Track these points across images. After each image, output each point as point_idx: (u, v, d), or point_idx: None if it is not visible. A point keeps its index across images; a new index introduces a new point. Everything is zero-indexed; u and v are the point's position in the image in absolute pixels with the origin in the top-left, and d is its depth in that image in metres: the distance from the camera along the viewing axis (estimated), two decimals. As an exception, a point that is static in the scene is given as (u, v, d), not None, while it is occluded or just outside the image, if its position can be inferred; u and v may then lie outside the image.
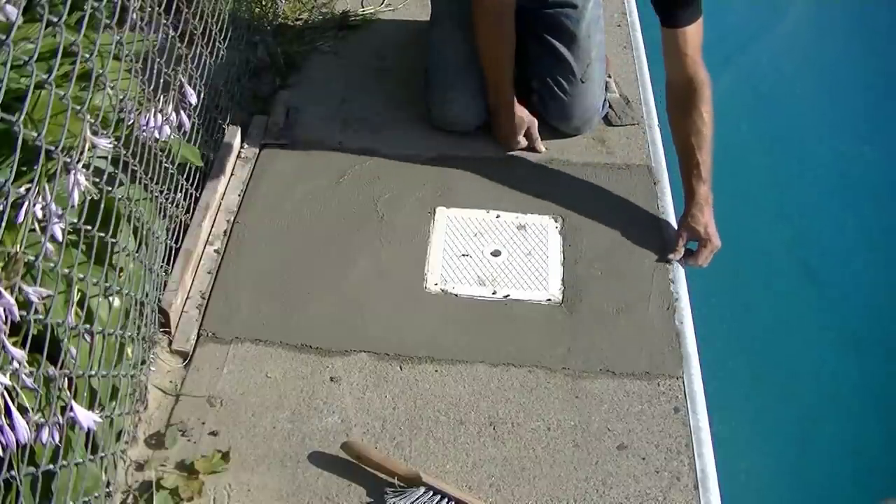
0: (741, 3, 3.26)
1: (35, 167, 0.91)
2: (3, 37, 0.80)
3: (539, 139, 1.91)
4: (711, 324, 1.80)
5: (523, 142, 1.90)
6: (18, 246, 0.92)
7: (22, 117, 0.83)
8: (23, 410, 0.92)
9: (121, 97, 1.17)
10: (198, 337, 1.55)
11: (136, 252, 1.29)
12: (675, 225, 1.76)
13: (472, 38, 1.86)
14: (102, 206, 1.11)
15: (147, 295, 1.38)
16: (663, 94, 1.92)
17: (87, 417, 1.01)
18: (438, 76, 1.93)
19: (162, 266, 1.51)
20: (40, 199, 0.94)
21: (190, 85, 1.38)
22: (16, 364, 0.89)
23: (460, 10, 1.87)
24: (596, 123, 1.96)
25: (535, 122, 1.90)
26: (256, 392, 1.46)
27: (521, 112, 1.89)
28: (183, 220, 1.63)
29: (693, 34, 1.67)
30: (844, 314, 2.26)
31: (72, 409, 1.00)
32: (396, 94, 2.06)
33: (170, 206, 1.52)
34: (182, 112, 1.34)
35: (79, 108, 0.99)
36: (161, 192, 1.44)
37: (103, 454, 1.19)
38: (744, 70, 3.01)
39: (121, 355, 1.23)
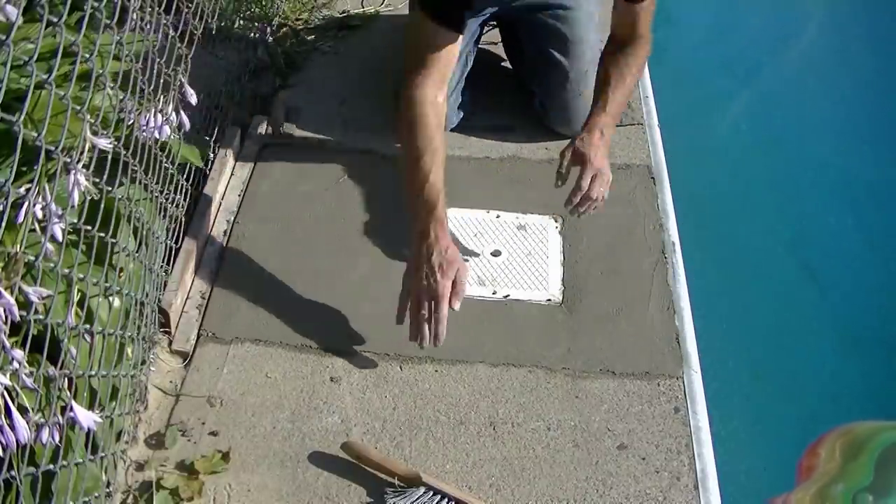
0: (742, 5, 3.26)
1: (35, 167, 0.91)
2: (3, 37, 0.80)
3: (461, 296, 1.41)
4: (711, 324, 1.80)
5: (440, 294, 1.39)
6: (18, 246, 0.92)
7: (22, 117, 0.82)
8: (23, 410, 0.92)
9: (121, 97, 1.17)
10: (198, 337, 1.55)
11: (136, 252, 1.29)
12: (675, 225, 1.76)
13: None
14: (102, 206, 1.11)
15: (147, 295, 1.38)
16: (663, 94, 1.92)
17: (87, 417, 1.01)
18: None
19: (162, 266, 1.51)
20: (40, 199, 0.94)
21: (190, 85, 1.38)
22: (16, 364, 0.89)
23: None
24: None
25: (468, 268, 1.47)
26: (256, 392, 1.46)
27: (453, 249, 1.43)
28: (183, 220, 1.63)
29: (648, 8, 1.63)
30: (845, 314, 2.26)
31: (72, 409, 1.00)
32: (396, 94, 2.06)
33: (170, 206, 1.51)
34: (182, 112, 1.34)
35: (79, 108, 0.99)
36: (161, 192, 1.44)
37: (103, 454, 1.19)
38: (744, 70, 3.00)
39: (121, 355, 1.23)
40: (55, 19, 0.88)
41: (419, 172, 1.46)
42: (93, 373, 1.12)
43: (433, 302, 1.39)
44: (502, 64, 2.13)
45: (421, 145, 1.49)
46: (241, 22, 2.04)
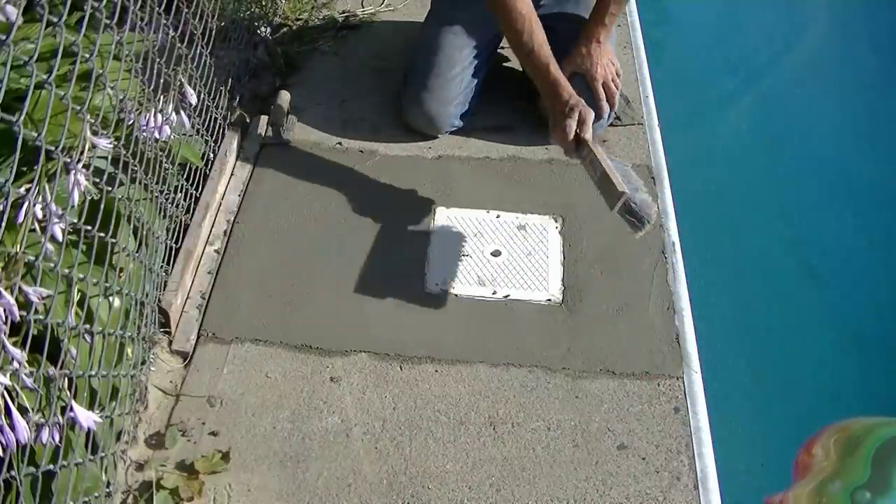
0: (743, 5, 3.26)
1: (35, 167, 0.91)
2: (3, 37, 0.80)
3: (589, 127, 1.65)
4: (711, 324, 1.80)
5: (572, 127, 1.63)
6: (18, 246, 0.92)
7: (22, 117, 0.83)
8: (23, 410, 0.92)
9: (121, 97, 1.17)
10: (198, 337, 1.55)
11: (136, 252, 1.29)
12: (675, 225, 1.76)
13: (456, 41, 1.85)
14: (102, 206, 1.11)
15: (147, 295, 1.38)
16: (663, 93, 1.92)
17: (87, 417, 1.01)
18: (414, 76, 1.91)
19: (162, 266, 1.51)
20: (40, 199, 0.94)
21: (190, 85, 1.38)
22: (16, 364, 0.89)
23: (449, 12, 1.86)
24: (604, 128, 1.94)
25: (591, 112, 1.67)
26: (256, 392, 1.46)
27: (574, 96, 1.69)
28: (183, 220, 1.63)
29: None
30: (845, 314, 2.26)
31: (72, 409, 1.00)
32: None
33: (170, 206, 1.52)
34: (182, 112, 1.34)
35: (79, 108, 0.99)
36: (161, 192, 1.44)
37: (103, 454, 1.19)
38: (744, 70, 3.00)
39: (121, 355, 1.23)
40: (55, 19, 0.88)
41: (531, 39, 1.71)
42: (93, 373, 1.12)
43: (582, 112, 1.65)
44: (503, 65, 2.13)
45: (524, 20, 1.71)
46: (242, 22, 2.04)
